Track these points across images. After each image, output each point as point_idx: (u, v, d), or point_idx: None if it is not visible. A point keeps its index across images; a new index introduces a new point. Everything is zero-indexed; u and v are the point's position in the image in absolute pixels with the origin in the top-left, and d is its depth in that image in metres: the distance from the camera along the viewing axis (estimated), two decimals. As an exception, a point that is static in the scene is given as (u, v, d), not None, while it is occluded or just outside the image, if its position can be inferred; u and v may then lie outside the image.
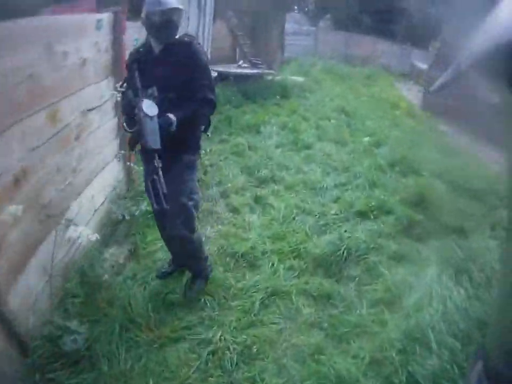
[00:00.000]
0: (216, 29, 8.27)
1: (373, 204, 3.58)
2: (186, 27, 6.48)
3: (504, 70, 0.59)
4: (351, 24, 16.91)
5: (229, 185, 3.94)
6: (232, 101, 6.97)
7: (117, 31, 3.33)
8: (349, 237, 3.04)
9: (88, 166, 2.83)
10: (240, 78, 7.95)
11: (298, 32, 15.49)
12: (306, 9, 20.76)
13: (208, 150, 4.80)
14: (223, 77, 7.82)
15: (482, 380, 0.77)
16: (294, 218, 3.39)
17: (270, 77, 8.53)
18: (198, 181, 4.16)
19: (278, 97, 7.47)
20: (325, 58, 13.55)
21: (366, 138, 5.73)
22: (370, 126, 6.44)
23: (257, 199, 3.70)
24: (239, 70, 8.35)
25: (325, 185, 4.00)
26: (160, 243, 2.86)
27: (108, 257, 2.77)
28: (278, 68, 9.44)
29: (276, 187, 3.99)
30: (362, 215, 3.49)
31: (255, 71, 8.42)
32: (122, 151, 3.38)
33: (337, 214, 3.47)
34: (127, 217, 3.09)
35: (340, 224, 3.35)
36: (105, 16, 3.20)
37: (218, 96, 7.07)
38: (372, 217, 3.47)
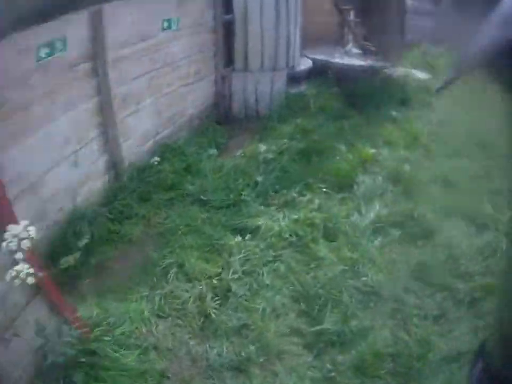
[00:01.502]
0: (315, -1, 6.17)
1: None
2: None
3: (505, 70, 0.58)
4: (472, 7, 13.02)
5: (255, 344, 2.20)
6: (328, 109, 5.01)
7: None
8: None
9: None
10: (345, 72, 5.86)
11: (417, 10, 12.10)
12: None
13: (249, 232, 2.99)
14: (322, 68, 5.82)
15: (483, 379, 0.74)
16: None
17: (387, 71, 6.27)
18: (206, 317, 2.23)
19: (394, 112, 5.15)
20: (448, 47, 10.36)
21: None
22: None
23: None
24: (345, 61, 6.17)
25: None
26: None
27: None
28: (398, 57, 7.03)
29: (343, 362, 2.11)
30: None
31: (367, 63, 6.21)
32: None
33: None
34: None
35: None
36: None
37: (308, 99, 5.21)
38: None
